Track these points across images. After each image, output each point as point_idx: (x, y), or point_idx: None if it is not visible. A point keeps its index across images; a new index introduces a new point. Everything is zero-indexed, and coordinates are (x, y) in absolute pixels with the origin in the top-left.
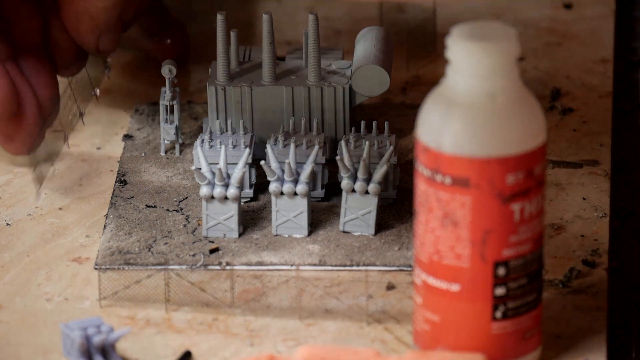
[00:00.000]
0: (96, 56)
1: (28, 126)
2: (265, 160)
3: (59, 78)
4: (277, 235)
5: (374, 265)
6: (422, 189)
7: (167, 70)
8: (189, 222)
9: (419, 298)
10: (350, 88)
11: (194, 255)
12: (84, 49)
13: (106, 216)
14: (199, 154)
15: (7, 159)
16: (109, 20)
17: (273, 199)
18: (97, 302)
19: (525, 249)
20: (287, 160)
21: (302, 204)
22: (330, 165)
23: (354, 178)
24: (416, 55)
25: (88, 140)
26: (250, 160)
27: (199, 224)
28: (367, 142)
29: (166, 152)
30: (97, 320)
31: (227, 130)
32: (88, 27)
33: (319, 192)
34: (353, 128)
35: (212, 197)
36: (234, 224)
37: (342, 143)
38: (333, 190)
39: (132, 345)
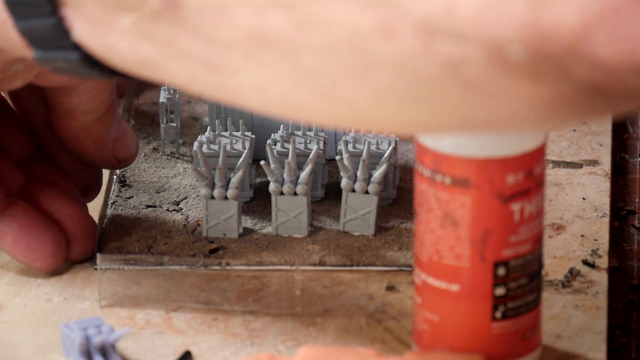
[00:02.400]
0: (121, 167)
1: (51, 253)
2: (265, 160)
3: None
4: (277, 235)
5: (374, 265)
6: (422, 189)
7: None
8: (188, 222)
9: (418, 298)
10: None
11: (193, 255)
12: (106, 166)
13: (106, 216)
14: (199, 154)
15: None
16: (109, 126)
17: (273, 198)
18: (97, 302)
19: (525, 249)
20: (287, 160)
21: (302, 204)
22: (330, 165)
23: (354, 178)
24: None
25: None
26: (250, 161)
27: (199, 224)
28: (367, 142)
29: (166, 152)
30: (97, 320)
31: (227, 130)
32: (95, 145)
33: (319, 192)
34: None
35: (212, 197)
36: (234, 224)
37: (342, 143)
38: (333, 190)
39: (132, 345)
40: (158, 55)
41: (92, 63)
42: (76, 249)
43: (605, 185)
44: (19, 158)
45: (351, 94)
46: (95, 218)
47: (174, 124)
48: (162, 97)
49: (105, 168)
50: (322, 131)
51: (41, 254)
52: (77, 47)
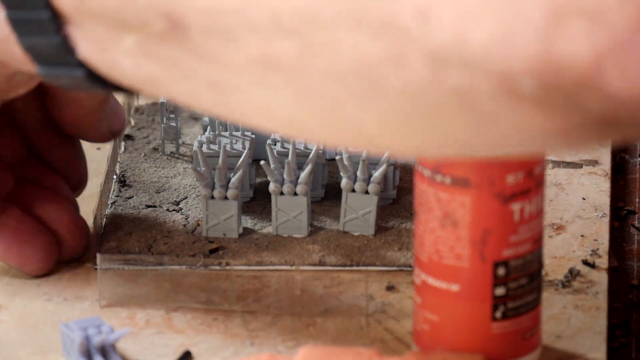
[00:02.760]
0: (113, 139)
1: (43, 258)
2: (265, 160)
3: None
4: (277, 235)
5: (374, 265)
6: (422, 189)
7: None
8: (188, 222)
9: (418, 298)
10: None
11: (193, 255)
12: (102, 141)
13: (106, 216)
14: (199, 154)
15: None
16: (107, 102)
17: (273, 198)
18: (97, 302)
19: (525, 249)
20: (287, 160)
21: (302, 204)
22: (330, 165)
23: (354, 178)
24: None
25: None
26: (250, 161)
27: (199, 224)
28: None
29: (166, 152)
30: (97, 320)
31: (226, 130)
32: (94, 120)
33: (319, 192)
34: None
35: (212, 197)
36: (234, 224)
37: None
38: (333, 190)
39: (132, 345)
40: (162, 74)
41: (96, 79)
42: (67, 251)
43: (605, 185)
44: (11, 161)
45: (357, 118)
46: (92, 217)
47: (174, 124)
48: (162, 97)
49: (100, 142)
50: None
51: (33, 259)
52: (81, 65)
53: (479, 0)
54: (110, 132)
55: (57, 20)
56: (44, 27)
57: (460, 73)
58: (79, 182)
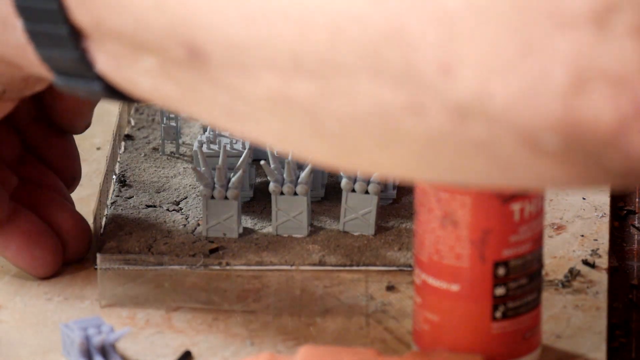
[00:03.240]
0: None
1: (52, 260)
2: (265, 160)
3: None
4: (277, 235)
5: (374, 265)
6: (422, 188)
7: None
8: (188, 222)
9: (418, 298)
10: None
11: (193, 255)
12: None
13: (106, 216)
14: (199, 154)
15: None
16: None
17: (273, 198)
18: (97, 302)
19: (525, 249)
20: (287, 160)
21: (302, 204)
22: None
23: (354, 178)
24: None
25: (88, 140)
26: (250, 160)
27: (199, 224)
28: None
29: (166, 152)
30: (97, 320)
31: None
32: (85, 113)
33: (319, 192)
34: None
35: (212, 197)
36: (234, 224)
37: None
38: (333, 190)
39: (132, 345)
40: (179, 97)
41: (114, 92)
42: (71, 253)
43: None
44: (9, 160)
45: (374, 158)
46: (92, 217)
47: (174, 124)
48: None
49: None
50: None
51: (43, 261)
52: (99, 78)
53: (503, 58)
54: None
55: (75, 35)
56: (62, 41)
57: (481, 126)
58: (73, 178)
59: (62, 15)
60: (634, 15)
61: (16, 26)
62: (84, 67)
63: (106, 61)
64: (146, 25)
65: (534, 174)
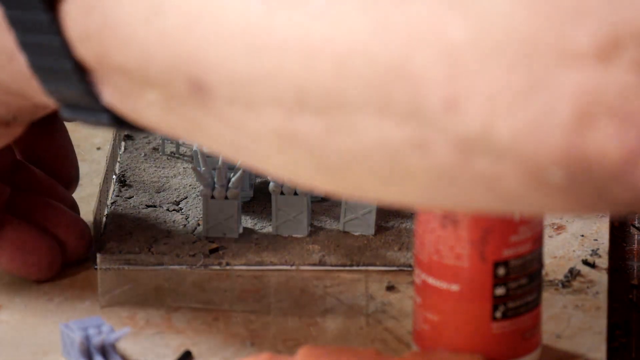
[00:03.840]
0: None
1: (47, 264)
2: None
3: None
4: (277, 235)
5: (374, 265)
6: None
7: None
8: (188, 222)
9: (418, 298)
10: None
11: (194, 255)
12: None
13: (106, 216)
14: (199, 154)
15: None
16: None
17: (273, 198)
18: (97, 302)
19: (525, 249)
20: None
21: (302, 204)
22: None
23: None
24: None
25: (88, 140)
26: None
27: (199, 224)
28: None
29: (166, 152)
30: (97, 320)
31: None
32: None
33: (319, 192)
34: None
35: (212, 197)
36: (234, 224)
37: None
38: None
39: (132, 345)
40: (185, 129)
41: (122, 122)
42: (71, 253)
43: None
44: (2, 172)
45: (379, 192)
46: (92, 217)
47: None
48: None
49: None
50: None
51: (38, 266)
52: (106, 110)
53: (508, 93)
54: None
55: (79, 70)
56: (66, 76)
57: (487, 161)
58: (71, 179)
59: (66, 51)
60: (638, 51)
61: (21, 61)
62: (91, 100)
63: (112, 94)
64: (150, 61)
65: (538, 206)
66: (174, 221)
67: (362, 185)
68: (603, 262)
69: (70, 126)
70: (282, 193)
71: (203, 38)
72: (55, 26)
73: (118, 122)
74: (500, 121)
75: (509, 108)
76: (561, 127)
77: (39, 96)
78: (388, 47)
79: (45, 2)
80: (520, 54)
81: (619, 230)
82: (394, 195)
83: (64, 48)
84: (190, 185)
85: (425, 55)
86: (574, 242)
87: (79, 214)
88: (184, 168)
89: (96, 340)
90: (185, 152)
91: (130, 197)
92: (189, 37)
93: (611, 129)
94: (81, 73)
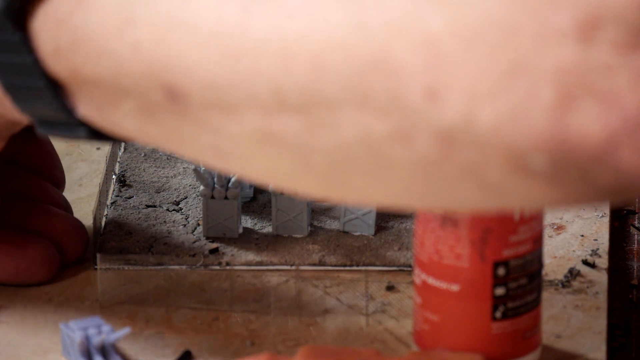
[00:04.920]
0: None
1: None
2: None
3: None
4: (277, 235)
5: (374, 265)
6: None
7: None
8: (188, 222)
9: (418, 298)
10: None
11: (193, 255)
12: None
13: (106, 216)
14: None
15: None
16: None
17: (273, 198)
18: (97, 302)
19: (525, 249)
20: None
21: (302, 204)
22: None
23: None
24: None
25: None
26: None
27: (199, 224)
28: None
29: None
30: (97, 320)
31: None
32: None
33: None
34: None
35: (212, 197)
36: (234, 224)
37: None
38: None
39: (132, 345)
40: (163, 137)
41: (99, 135)
42: (68, 254)
43: None
44: None
45: (362, 187)
46: (92, 217)
47: None
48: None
49: None
50: None
51: (32, 271)
52: (82, 124)
53: (488, 80)
54: None
55: (53, 86)
56: (40, 93)
57: (469, 150)
58: (60, 180)
59: (38, 68)
60: (618, 30)
61: None
62: (66, 115)
63: (87, 107)
64: (123, 71)
65: (523, 196)
66: (174, 221)
67: (345, 182)
68: (603, 262)
69: None
70: (282, 193)
71: (177, 46)
72: (26, 45)
73: (95, 135)
74: (481, 109)
75: (489, 95)
76: (543, 110)
77: (12, 114)
78: (365, 40)
79: (14, 22)
80: (499, 38)
81: (619, 230)
82: (377, 192)
83: (36, 65)
84: (190, 185)
85: (403, 46)
86: (574, 242)
87: (72, 213)
88: (184, 168)
89: (96, 340)
90: None
91: (130, 197)
92: (163, 46)
93: (593, 111)
94: (55, 89)
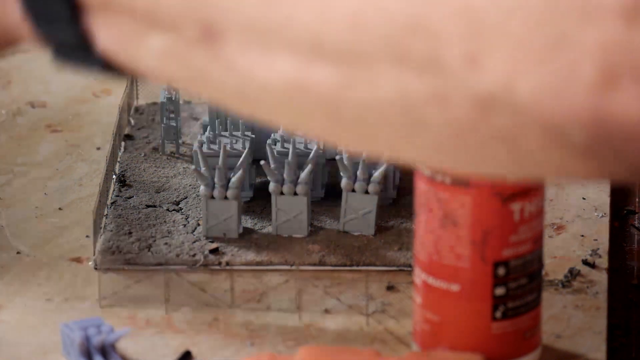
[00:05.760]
0: None
1: None
2: (265, 160)
3: None
4: (277, 235)
5: (374, 265)
6: (422, 189)
7: None
8: (188, 222)
9: (418, 298)
10: None
11: (194, 255)
12: None
13: (106, 216)
14: (199, 154)
15: None
16: None
17: (273, 198)
18: (97, 302)
19: (525, 249)
20: (287, 160)
21: (302, 204)
22: (330, 165)
23: (354, 178)
24: None
25: (88, 140)
26: (250, 160)
27: (199, 224)
28: None
29: (166, 152)
30: (97, 320)
31: (226, 130)
32: None
33: (319, 192)
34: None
35: (212, 197)
36: (234, 224)
37: None
38: (333, 190)
39: (132, 345)
40: (186, 78)
41: (113, 69)
42: None
43: (605, 185)
44: None
45: (394, 146)
46: (92, 217)
47: (174, 124)
48: (162, 97)
49: None
50: None
51: None
52: (98, 58)
53: (531, 50)
54: None
55: (76, 11)
56: (62, 16)
57: (506, 118)
58: None
59: None
60: None
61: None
62: (84, 44)
63: (109, 38)
64: (161, 1)
65: (555, 167)
66: (174, 221)
67: (377, 139)
68: (603, 262)
69: (70, 126)
70: (282, 193)
71: None
72: None
73: (110, 69)
74: (521, 79)
75: (531, 65)
76: (584, 85)
77: (25, 41)
78: (406, 5)
79: None
80: (543, 11)
81: (619, 230)
82: (407, 150)
83: None
84: (190, 185)
85: (444, 14)
86: (574, 242)
87: None
88: (184, 168)
89: (96, 340)
90: (185, 152)
91: (130, 197)
92: None
93: (634, 90)
94: (77, 15)
